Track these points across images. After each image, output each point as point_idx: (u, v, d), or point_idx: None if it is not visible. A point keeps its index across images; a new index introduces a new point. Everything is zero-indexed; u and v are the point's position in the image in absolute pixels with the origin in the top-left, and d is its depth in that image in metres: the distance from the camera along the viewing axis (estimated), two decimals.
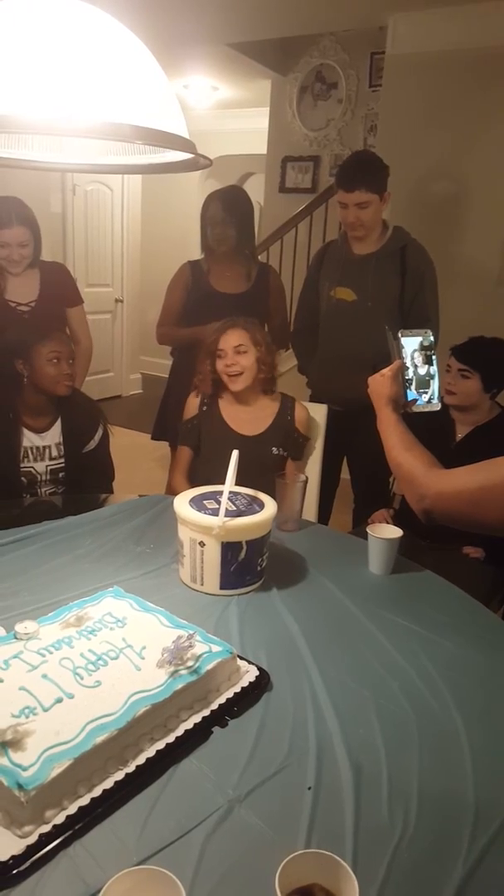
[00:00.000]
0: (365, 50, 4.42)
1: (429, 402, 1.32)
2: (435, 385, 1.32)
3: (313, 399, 2.52)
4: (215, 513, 1.37)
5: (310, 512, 2.13)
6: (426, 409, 1.32)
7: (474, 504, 1.10)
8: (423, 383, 1.31)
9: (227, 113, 5.98)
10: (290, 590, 1.43)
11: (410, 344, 1.31)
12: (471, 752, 0.98)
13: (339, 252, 2.50)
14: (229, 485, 1.43)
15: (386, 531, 1.51)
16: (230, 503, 1.41)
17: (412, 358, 1.31)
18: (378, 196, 2.31)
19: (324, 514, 2.46)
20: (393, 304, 2.40)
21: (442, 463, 1.22)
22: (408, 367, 1.30)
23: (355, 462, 2.64)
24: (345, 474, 2.68)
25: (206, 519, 1.36)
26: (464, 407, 2.08)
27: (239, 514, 1.39)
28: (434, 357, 1.33)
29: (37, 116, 0.92)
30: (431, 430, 1.28)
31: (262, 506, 1.44)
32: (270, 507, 1.44)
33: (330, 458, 2.27)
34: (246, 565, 1.39)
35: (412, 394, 1.31)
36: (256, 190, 5.24)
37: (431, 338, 1.33)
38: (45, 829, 0.81)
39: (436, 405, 1.33)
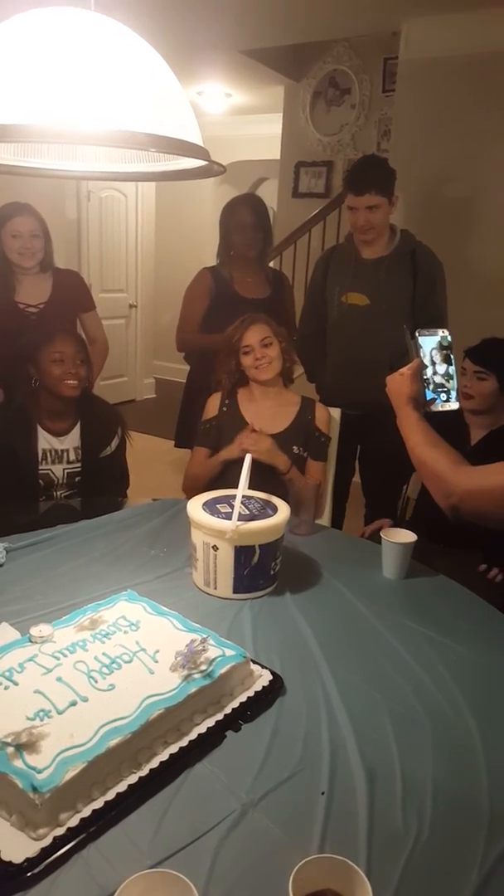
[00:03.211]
0: (378, 55, 4.42)
1: (447, 401, 1.31)
2: (454, 384, 1.31)
3: (323, 405, 2.51)
4: (228, 517, 1.37)
5: (323, 516, 2.13)
6: (445, 409, 1.31)
7: None
8: (442, 383, 1.30)
9: (240, 119, 6.00)
10: (303, 594, 1.43)
11: (429, 343, 1.31)
12: (485, 757, 0.98)
13: (347, 257, 2.49)
14: (242, 489, 1.43)
15: (400, 536, 1.51)
16: (243, 507, 1.42)
17: (431, 357, 1.30)
18: (387, 199, 2.32)
19: (337, 518, 2.45)
20: (406, 307, 2.40)
21: None
22: (426, 367, 1.30)
23: (367, 466, 2.63)
24: (357, 478, 2.67)
25: (219, 523, 1.36)
26: (480, 410, 2.07)
27: (252, 517, 1.39)
28: (452, 356, 1.32)
29: (52, 125, 0.94)
30: (446, 434, 1.28)
31: (275, 510, 1.44)
32: (284, 510, 1.44)
33: (343, 462, 2.27)
34: (259, 569, 1.39)
35: (430, 393, 1.30)
36: (270, 195, 5.25)
37: (449, 337, 1.32)
38: (60, 831, 0.81)
39: (454, 404, 1.31)
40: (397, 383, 1.32)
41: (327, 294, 2.53)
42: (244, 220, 2.60)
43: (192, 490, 1.94)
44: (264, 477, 1.76)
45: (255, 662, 1.13)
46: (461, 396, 2.03)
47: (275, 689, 1.09)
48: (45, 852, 0.79)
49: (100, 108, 0.95)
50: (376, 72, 4.52)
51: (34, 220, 2.40)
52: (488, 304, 3.20)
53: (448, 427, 1.41)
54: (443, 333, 1.32)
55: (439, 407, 1.30)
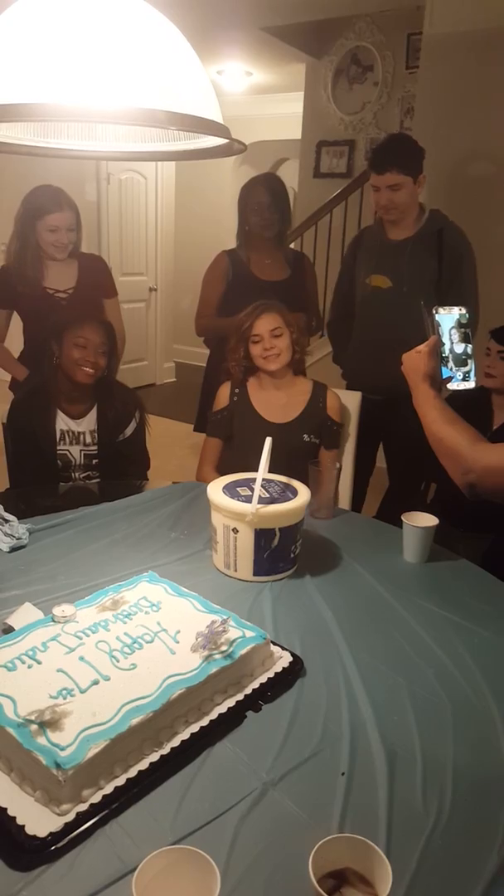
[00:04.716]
0: (402, 31, 4.33)
1: (464, 379, 1.28)
2: (472, 363, 1.29)
3: (349, 389, 2.50)
4: (248, 500, 1.37)
5: (343, 500, 2.12)
6: (461, 388, 1.29)
7: None
8: (460, 361, 1.28)
9: (261, 98, 5.93)
10: (323, 577, 1.43)
11: (447, 321, 1.28)
12: None
13: (375, 238, 2.46)
14: (262, 472, 1.43)
15: (421, 519, 1.50)
16: (263, 490, 1.42)
17: (449, 335, 1.28)
18: (412, 178, 2.26)
19: (357, 501, 2.45)
20: (430, 289, 2.35)
21: None
22: (444, 344, 1.27)
23: (391, 451, 2.61)
24: (380, 462, 2.66)
25: (239, 506, 1.36)
26: (503, 391, 2.05)
27: (272, 500, 1.39)
28: (471, 335, 1.30)
29: (71, 104, 0.93)
30: (469, 416, 1.26)
31: (295, 493, 1.44)
32: (304, 494, 1.44)
33: (365, 445, 2.25)
34: (279, 552, 1.39)
35: (448, 371, 1.28)
36: (291, 175, 5.20)
37: (468, 315, 1.30)
38: (83, 807, 0.82)
39: (471, 383, 1.29)
40: (413, 360, 1.30)
41: (355, 277, 2.51)
42: (260, 200, 2.57)
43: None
44: (283, 461, 1.76)
45: (275, 644, 1.13)
46: (484, 376, 2.01)
47: (295, 670, 1.09)
48: (69, 827, 0.80)
49: (119, 85, 0.94)
50: (399, 48, 4.43)
51: (71, 212, 2.38)
52: None
53: (471, 409, 1.39)
54: (461, 311, 1.30)
55: (456, 385, 1.28)
